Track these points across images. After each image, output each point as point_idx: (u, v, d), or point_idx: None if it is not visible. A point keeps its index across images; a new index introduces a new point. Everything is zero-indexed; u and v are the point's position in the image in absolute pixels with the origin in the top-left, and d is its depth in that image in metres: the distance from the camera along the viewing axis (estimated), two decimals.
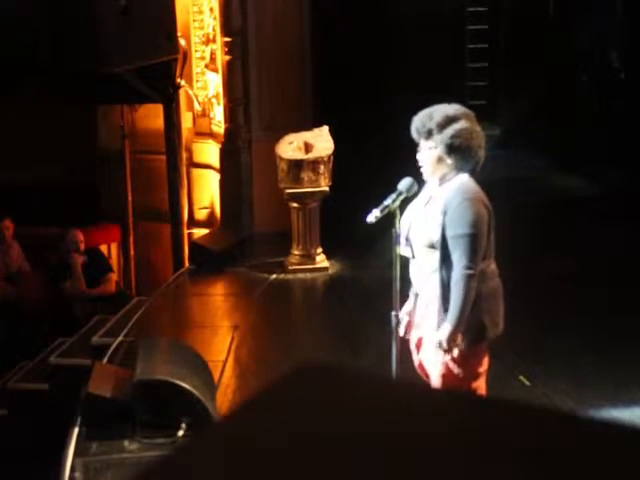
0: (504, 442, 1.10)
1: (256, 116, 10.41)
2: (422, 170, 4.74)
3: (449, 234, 4.58)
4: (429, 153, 4.68)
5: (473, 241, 4.58)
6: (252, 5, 10.20)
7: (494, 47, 13.25)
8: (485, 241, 4.64)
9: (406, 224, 4.75)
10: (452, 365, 4.72)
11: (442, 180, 4.71)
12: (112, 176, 11.52)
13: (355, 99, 10.08)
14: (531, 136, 12.54)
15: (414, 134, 4.71)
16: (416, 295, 4.90)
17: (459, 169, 4.69)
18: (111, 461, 5.40)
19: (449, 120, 4.64)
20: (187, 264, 10.13)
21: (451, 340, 4.61)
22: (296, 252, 9.06)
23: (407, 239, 4.77)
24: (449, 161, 4.66)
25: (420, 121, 4.67)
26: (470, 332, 4.66)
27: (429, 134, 4.64)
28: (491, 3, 13.08)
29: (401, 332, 4.87)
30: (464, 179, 4.71)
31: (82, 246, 9.97)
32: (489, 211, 4.69)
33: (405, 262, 4.85)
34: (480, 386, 4.81)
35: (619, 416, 5.75)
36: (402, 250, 4.77)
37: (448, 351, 4.65)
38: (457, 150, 4.63)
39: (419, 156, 4.73)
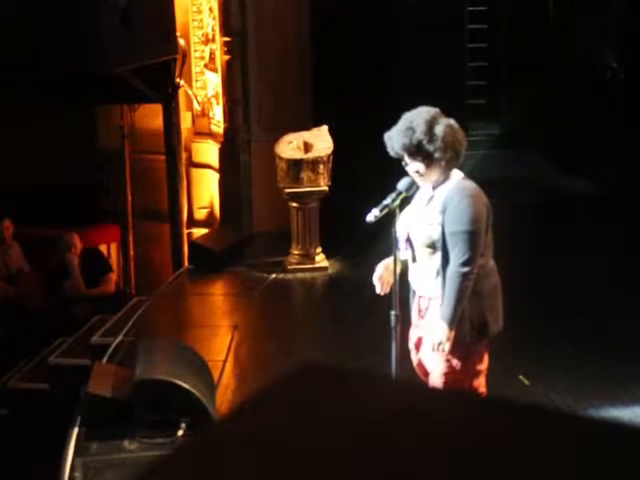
0: (504, 442, 1.11)
1: (255, 116, 10.41)
2: (416, 179, 4.74)
3: (448, 231, 4.60)
4: (421, 164, 4.67)
5: (471, 238, 4.59)
6: (251, 5, 10.20)
7: (494, 47, 13.25)
8: (483, 238, 4.65)
9: (404, 228, 4.76)
10: (453, 363, 4.73)
11: (436, 183, 4.73)
12: (112, 176, 11.52)
13: (355, 99, 10.08)
14: (531, 136, 12.54)
15: (399, 151, 4.69)
16: (414, 294, 4.91)
17: (451, 167, 4.72)
18: (111, 461, 5.40)
19: (431, 125, 4.64)
20: (187, 264, 10.13)
21: (447, 338, 4.61)
22: (295, 252, 9.06)
23: (407, 241, 4.78)
24: (443, 162, 4.67)
25: (405, 137, 4.64)
26: (473, 329, 4.68)
27: (419, 146, 4.63)
28: (491, 3, 13.09)
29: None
30: (459, 177, 4.74)
31: (78, 248, 9.95)
32: (488, 208, 4.70)
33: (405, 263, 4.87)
34: (481, 384, 4.82)
35: (619, 416, 5.76)
36: (402, 254, 4.78)
37: (445, 350, 4.66)
38: (450, 149, 4.65)
39: (409, 169, 4.72)
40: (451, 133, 4.67)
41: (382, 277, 4.82)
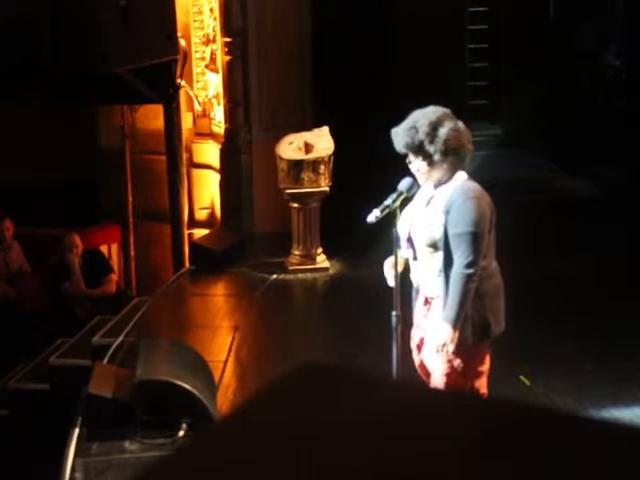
0: (504, 442, 1.10)
1: (256, 116, 10.41)
2: (417, 178, 4.74)
3: (451, 232, 4.60)
4: (423, 163, 4.68)
5: (475, 239, 4.58)
6: (252, 5, 10.20)
7: (494, 47, 13.26)
8: (486, 239, 4.65)
9: (406, 226, 4.76)
10: (455, 364, 4.73)
11: (439, 183, 4.73)
12: (112, 176, 11.51)
13: (355, 99, 10.08)
14: (531, 136, 12.54)
15: (402, 149, 4.70)
16: (417, 294, 4.91)
17: (455, 169, 4.71)
18: (112, 461, 5.40)
19: (435, 126, 4.63)
20: (187, 264, 10.13)
21: (451, 339, 4.61)
22: (296, 252, 9.05)
23: (408, 240, 4.77)
24: (445, 165, 4.67)
25: (408, 136, 4.65)
26: (475, 330, 4.67)
27: (420, 147, 4.64)
28: (491, 3, 13.10)
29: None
30: (463, 178, 4.73)
31: (79, 248, 9.95)
32: (491, 209, 4.70)
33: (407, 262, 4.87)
34: (482, 385, 4.82)
35: (620, 416, 5.76)
36: (404, 252, 4.78)
37: (449, 351, 4.66)
38: (452, 152, 4.65)
39: (412, 167, 4.72)
40: (455, 136, 4.66)
41: (392, 269, 4.80)
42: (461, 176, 4.73)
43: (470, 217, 4.59)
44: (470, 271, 4.57)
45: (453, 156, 4.66)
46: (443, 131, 4.63)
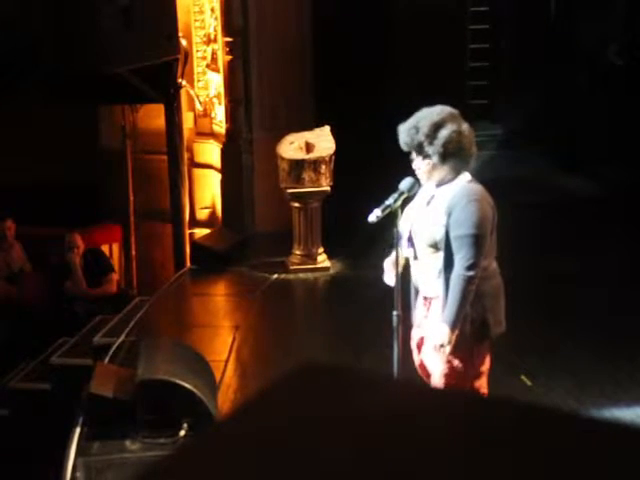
0: (504, 442, 1.11)
1: (257, 116, 10.41)
2: (419, 176, 4.74)
3: (453, 234, 4.59)
4: (423, 163, 4.68)
5: (476, 242, 4.58)
6: (253, 5, 10.20)
7: (495, 47, 13.25)
8: (488, 241, 4.65)
9: (407, 225, 4.76)
10: (455, 364, 4.73)
11: (440, 182, 4.72)
12: (113, 176, 11.52)
13: (356, 99, 10.08)
14: (532, 136, 12.53)
15: (404, 147, 4.70)
16: (417, 294, 4.91)
17: (457, 171, 4.70)
18: (113, 461, 5.40)
19: (436, 127, 4.62)
20: (188, 264, 10.13)
21: (448, 340, 4.61)
22: (297, 252, 9.05)
23: (409, 240, 4.77)
24: (446, 166, 4.67)
25: (408, 136, 4.65)
26: (474, 330, 4.67)
27: (420, 147, 4.64)
28: (492, 3, 13.09)
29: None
30: (466, 179, 4.72)
31: (80, 248, 9.95)
32: (493, 211, 4.70)
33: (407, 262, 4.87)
34: (482, 385, 4.82)
35: (620, 416, 5.76)
36: (404, 252, 4.77)
37: (446, 352, 4.66)
38: (451, 155, 4.64)
39: (413, 165, 4.73)
40: (456, 139, 4.64)
41: (393, 268, 4.80)
42: (465, 177, 4.72)
43: (472, 220, 4.59)
44: (471, 273, 4.57)
45: (453, 159, 4.65)
46: (443, 133, 4.61)
